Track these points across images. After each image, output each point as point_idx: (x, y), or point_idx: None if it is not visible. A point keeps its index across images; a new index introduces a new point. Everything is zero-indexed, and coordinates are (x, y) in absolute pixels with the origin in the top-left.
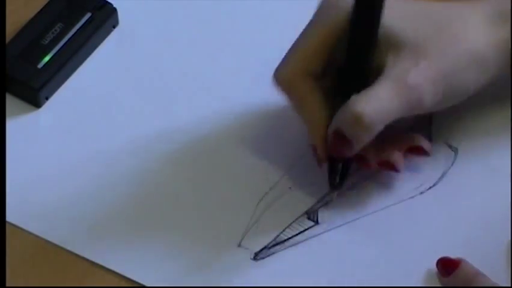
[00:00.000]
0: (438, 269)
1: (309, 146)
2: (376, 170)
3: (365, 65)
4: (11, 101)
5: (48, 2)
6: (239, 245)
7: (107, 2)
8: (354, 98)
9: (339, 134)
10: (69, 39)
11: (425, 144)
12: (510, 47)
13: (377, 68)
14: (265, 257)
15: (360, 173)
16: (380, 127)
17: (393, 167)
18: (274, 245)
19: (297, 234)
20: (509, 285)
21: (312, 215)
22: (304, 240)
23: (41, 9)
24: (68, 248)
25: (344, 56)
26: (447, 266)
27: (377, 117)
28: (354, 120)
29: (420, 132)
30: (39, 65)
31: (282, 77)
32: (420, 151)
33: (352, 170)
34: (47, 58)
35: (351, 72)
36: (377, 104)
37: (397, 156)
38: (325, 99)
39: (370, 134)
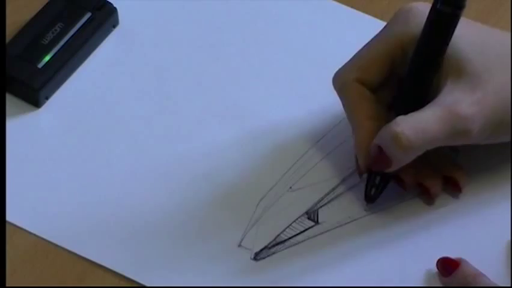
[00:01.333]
0: (438, 269)
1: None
2: (410, 190)
3: (424, 85)
4: (11, 101)
5: (49, 2)
6: (239, 245)
7: (107, 1)
8: (399, 117)
9: (380, 149)
10: (69, 39)
11: (462, 180)
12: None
13: (434, 90)
14: (266, 257)
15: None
16: (419, 151)
17: (427, 192)
18: (274, 245)
19: (297, 234)
20: (509, 285)
21: (312, 215)
22: (305, 240)
23: (41, 9)
24: (68, 248)
25: (405, 72)
26: (447, 266)
27: (416, 141)
28: (393, 140)
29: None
30: (40, 65)
31: (337, 80)
32: (455, 186)
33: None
34: (47, 58)
35: (409, 89)
36: (420, 128)
37: (433, 182)
38: (377, 111)
39: (408, 156)
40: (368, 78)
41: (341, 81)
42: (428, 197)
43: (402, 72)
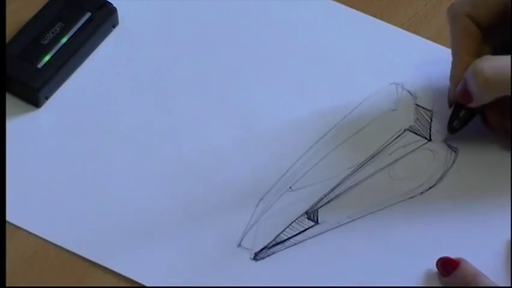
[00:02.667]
0: (438, 269)
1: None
2: (494, 131)
3: None
4: (11, 101)
5: (48, 2)
6: (239, 245)
7: (107, 1)
8: (487, 56)
9: (466, 83)
10: (69, 39)
11: None
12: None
13: None
14: (266, 257)
15: None
16: (495, 91)
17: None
18: (274, 245)
19: (297, 234)
20: (509, 285)
21: (312, 215)
22: (304, 240)
23: (41, 9)
24: (68, 248)
25: None
26: (447, 266)
27: (493, 81)
28: (473, 75)
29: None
30: (39, 65)
31: (450, 9)
32: None
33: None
34: (47, 58)
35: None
36: (500, 70)
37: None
38: (479, 49)
39: (485, 94)
40: (479, 15)
41: (453, 12)
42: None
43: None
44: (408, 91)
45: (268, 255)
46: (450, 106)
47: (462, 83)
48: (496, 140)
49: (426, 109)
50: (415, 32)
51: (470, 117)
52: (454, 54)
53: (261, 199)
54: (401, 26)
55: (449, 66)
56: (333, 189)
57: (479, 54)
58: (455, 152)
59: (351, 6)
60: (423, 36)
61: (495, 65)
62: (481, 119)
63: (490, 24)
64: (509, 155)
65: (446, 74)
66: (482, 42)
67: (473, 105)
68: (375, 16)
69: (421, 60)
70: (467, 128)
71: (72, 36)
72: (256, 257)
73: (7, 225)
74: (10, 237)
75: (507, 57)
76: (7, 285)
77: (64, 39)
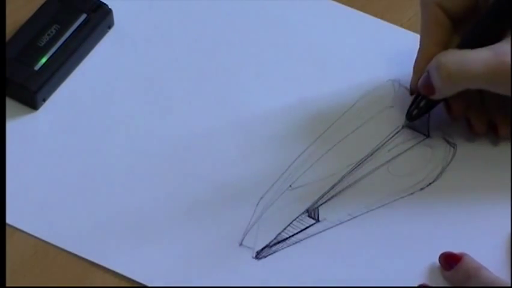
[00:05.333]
0: (440, 263)
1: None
2: (457, 120)
3: (493, 29)
4: (8, 103)
5: (44, 4)
6: (240, 244)
7: (102, 3)
8: (450, 50)
9: (428, 76)
10: (65, 41)
11: (503, 128)
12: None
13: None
14: (267, 255)
15: None
16: (458, 86)
17: (472, 128)
18: (275, 244)
19: (298, 232)
20: (510, 278)
21: (312, 213)
22: (306, 238)
23: (36, 11)
24: (68, 248)
25: (484, 10)
26: (449, 260)
27: (455, 76)
28: (437, 69)
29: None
30: (36, 67)
31: None
32: (494, 130)
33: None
34: (43, 60)
35: (479, 28)
36: (463, 64)
37: (479, 120)
38: (447, 39)
39: (448, 88)
40: (450, 5)
41: (424, 0)
42: (471, 132)
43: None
44: (406, 88)
45: (269, 254)
46: (411, 94)
47: (425, 76)
48: (494, 136)
49: None
50: (415, 32)
51: (430, 108)
52: (420, 42)
53: (262, 198)
54: (401, 26)
55: None
56: (333, 187)
57: (446, 45)
58: (453, 147)
59: (352, 6)
60: None
61: (458, 59)
62: (444, 107)
63: (461, 15)
64: (509, 150)
65: None
66: (453, 33)
67: (435, 97)
68: (375, 16)
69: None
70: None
71: (68, 37)
72: (258, 255)
73: (7, 225)
74: (10, 238)
75: (470, 52)
76: (7, 285)
77: (60, 41)
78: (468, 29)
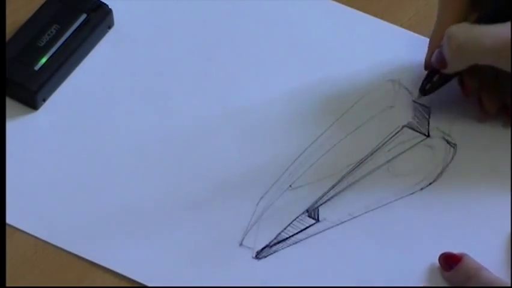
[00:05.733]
0: (440, 264)
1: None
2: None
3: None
4: (8, 103)
5: (44, 4)
6: (240, 244)
7: (102, 3)
8: (463, 23)
9: (441, 50)
10: (65, 41)
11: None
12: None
13: None
14: (267, 255)
15: None
16: (467, 59)
17: (482, 106)
18: (275, 244)
19: (298, 232)
20: (510, 278)
21: (312, 213)
22: (306, 238)
23: (37, 11)
24: (68, 248)
25: None
26: (449, 261)
27: (464, 47)
28: (448, 39)
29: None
30: (36, 67)
31: None
32: (506, 112)
33: None
34: (43, 60)
35: (499, 4)
36: (473, 37)
37: (491, 99)
38: (465, 16)
39: (457, 60)
40: None
41: None
42: (481, 112)
43: None
44: (406, 88)
45: (270, 254)
46: (425, 69)
47: (439, 50)
48: (495, 136)
49: (424, 106)
50: (415, 31)
51: (443, 83)
52: (437, 18)
53: (262, 198)
54: (401, 26)
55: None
56: (333, 187)
57: (463, 21)
58: (453, 147)
59: (352, 6)
60: (423, 36)
61: (470, 31)
62: (458, 83)
63: None
64: (509, 149)
65: None
66: (470, 10)
67: (447, 71)
68: (375, 16)
69: (419, 58)
70: (466, 123)
71: (68, 37)
72: (258, 255)
73: (7, 225)
74: (10, 237)
75: (483, 26)
76: (7, 285)
77: (60, 41)
78: (486, 5)
